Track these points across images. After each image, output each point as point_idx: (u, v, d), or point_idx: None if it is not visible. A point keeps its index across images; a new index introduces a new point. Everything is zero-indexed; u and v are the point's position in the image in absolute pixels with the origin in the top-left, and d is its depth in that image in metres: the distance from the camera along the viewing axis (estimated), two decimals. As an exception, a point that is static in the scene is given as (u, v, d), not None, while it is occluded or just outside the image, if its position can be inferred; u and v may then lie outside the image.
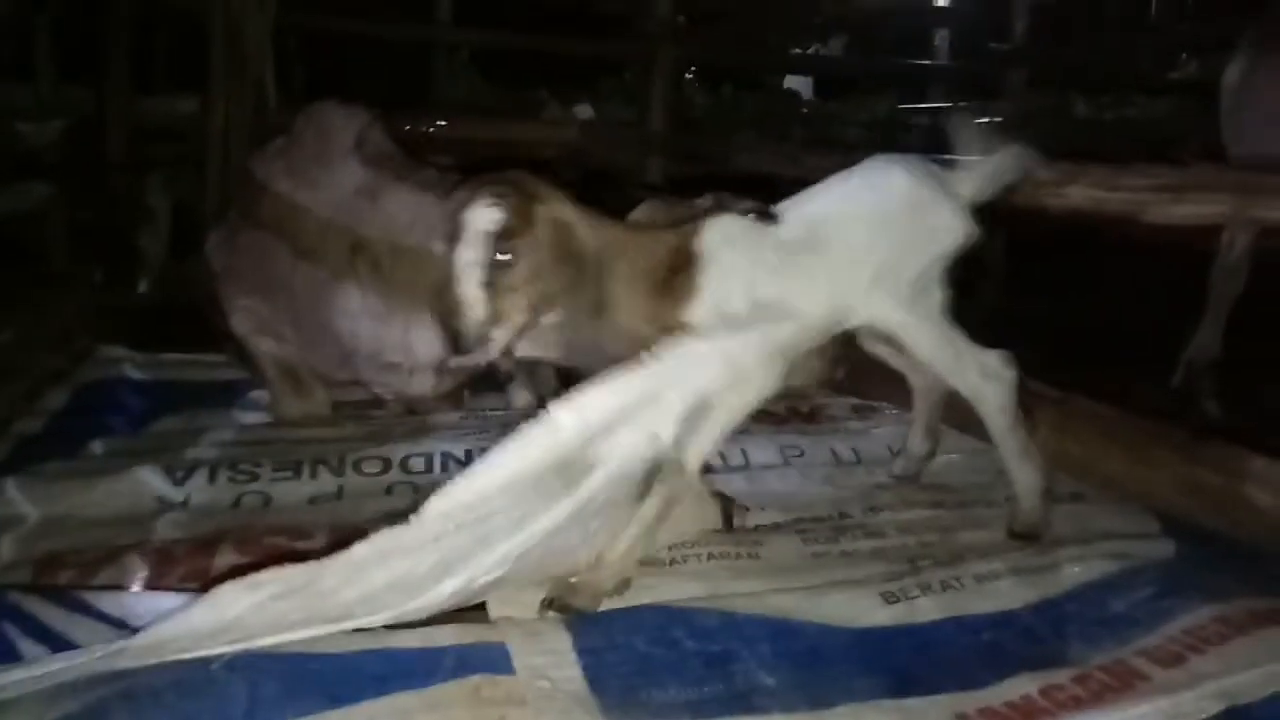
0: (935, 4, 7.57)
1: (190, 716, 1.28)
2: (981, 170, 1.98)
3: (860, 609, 1.66)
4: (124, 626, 1.49)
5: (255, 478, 2.21)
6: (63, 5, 4.10)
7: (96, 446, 2.43)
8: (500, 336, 1.68)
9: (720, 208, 1.92)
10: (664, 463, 1.71)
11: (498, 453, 1.43)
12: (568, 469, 1.51)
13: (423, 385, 2.67)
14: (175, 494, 2.14)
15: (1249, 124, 3.08)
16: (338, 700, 1.33)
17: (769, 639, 1.55)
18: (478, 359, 1.73)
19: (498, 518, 1.44)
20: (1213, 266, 3.14)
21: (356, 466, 2.29)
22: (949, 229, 1.91)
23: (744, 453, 2.46)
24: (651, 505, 1.73)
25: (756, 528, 2.06)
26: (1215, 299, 3.18)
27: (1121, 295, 4.09)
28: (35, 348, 3.07)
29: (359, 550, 1.38)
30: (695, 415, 1.70)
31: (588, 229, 1.75)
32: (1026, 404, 2.39)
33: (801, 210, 1.90)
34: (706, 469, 2.22)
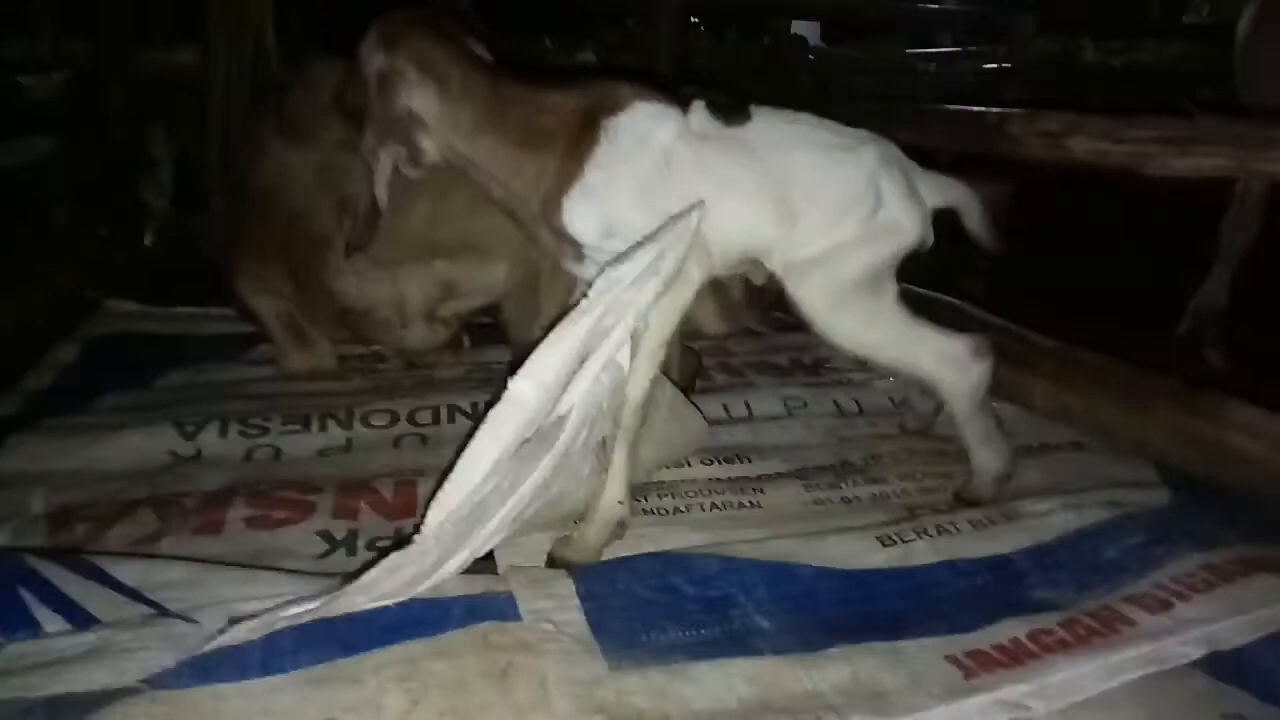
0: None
1: (207, 668, 1.32)
2: (950, 188, 1.85)
3: (856, 551, 1.69)
4: (138, 596, 1.51)
5: (265, 431, 2.25)
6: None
7: (106, 401, 2.46)
8: (379, 170, 1.79)
9: (664, 93, 1.76)
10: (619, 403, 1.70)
11: (474, 445, 1.43)
12: (541, 431, 1.51)
13: (417, 338, 2.70)
14: (186, 448, 2.17)
15: (1261, 71, 3.05)
16: (350, 649, 1.37)
17: (766, 583, 1.60)
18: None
19: (488, 498, 1.46)
20: (1223, 217, 3.14)
21: (364, 419, 2.32)
22: (906, 230, 1.75)
23: (747, 404, 2.48)
24: (620, 449, 1.73)
25: (759, 477, 2.09)
26: (1225, 249, 3.18)
27: (1128, 245, 4.08)
28: (42, 302, 3.10)
29: (369, 575, 1.40)
30: (634, 343, 1.67)
31: (452, 73, 1.75)
32: (1024, 355, 2.42)
33: (773, 134, 1.75)
34: (708, 422, 2.26)
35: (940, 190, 1.83)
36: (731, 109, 1.75)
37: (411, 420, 2.33)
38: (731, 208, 1.69)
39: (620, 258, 1.57)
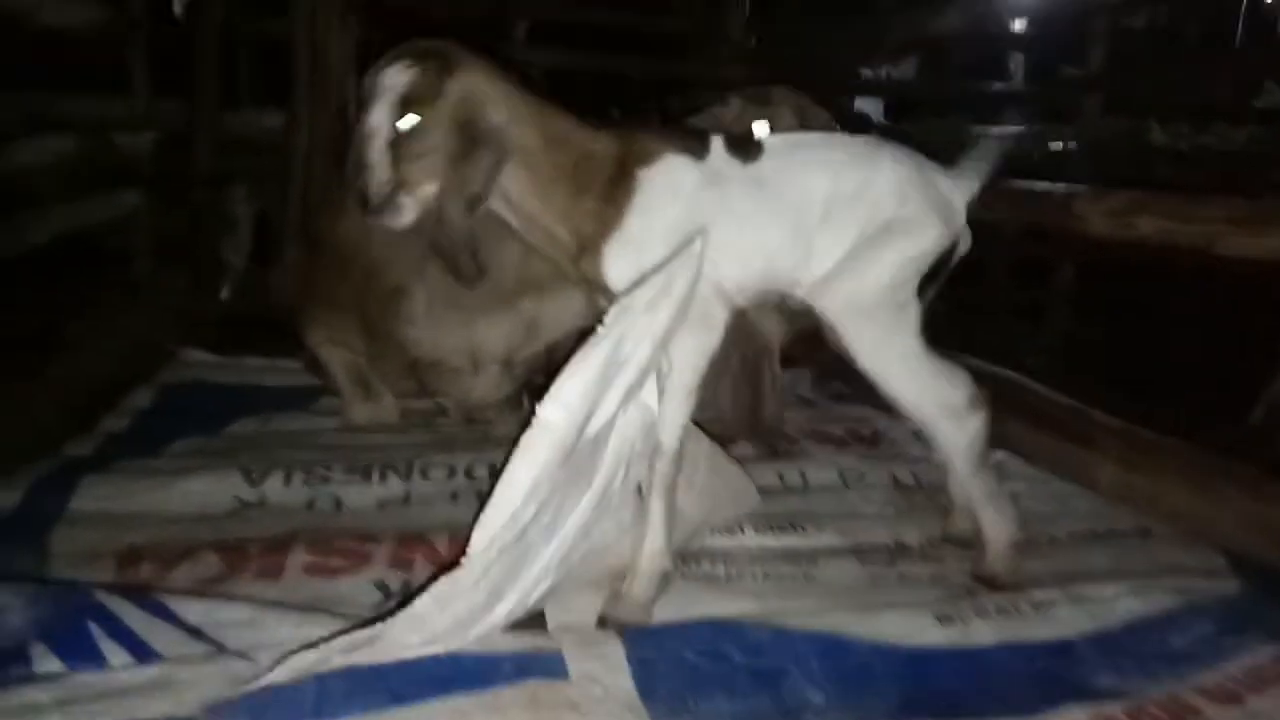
0: (1010, 28, 7.48)
1: (260, 709, 1.34)
2: (975, 173, 1.84)
3: (913, 629, 1.66)
4: (200, 635, 1.55)
5: (327, 481, 2.29)
6: (157, 23, 4.28)
7: (178, 446, 2.54)
8: (409, 204, 1.67)
9: (689, 142, 1.78)
10: (653, 449, 1.70)
11: (509, 471, 1.44)
12: (575, 460, 1.51)
13: (485, 388, 2.71)
14: (251, 494, 2.23)
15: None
16: (400, 699, 1.38)
17: (819, 656, 1.57)
18: (389, 223, 1.69)
19: (530, 530, 1.47)
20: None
21: (423, 472, 2.36)
22: (928, 229, 1.75)
23: (802, 474, 2.47)
24: (658, 499, 1.73)
25: (814, 550, 2.07)
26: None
27: (1197, 327, 4.00)
28: (122, 350, 3.21)
29: (420, 604, 1.42)
30: (660, 382, 1.68)
31: (508, 110, 1.69)
32: (1089, 435, 2.38)
33: (785, 158, 1.78)
34: (761, 490, 2.25)
35: (970, 185, 1.82)
36: (744, 145, 1.79)
37: (469, 474, 2.36)
38: (752, 242, 1.73)
39: (631, 286, 1.59)
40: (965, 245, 1.83)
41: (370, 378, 2.79)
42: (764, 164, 1.77)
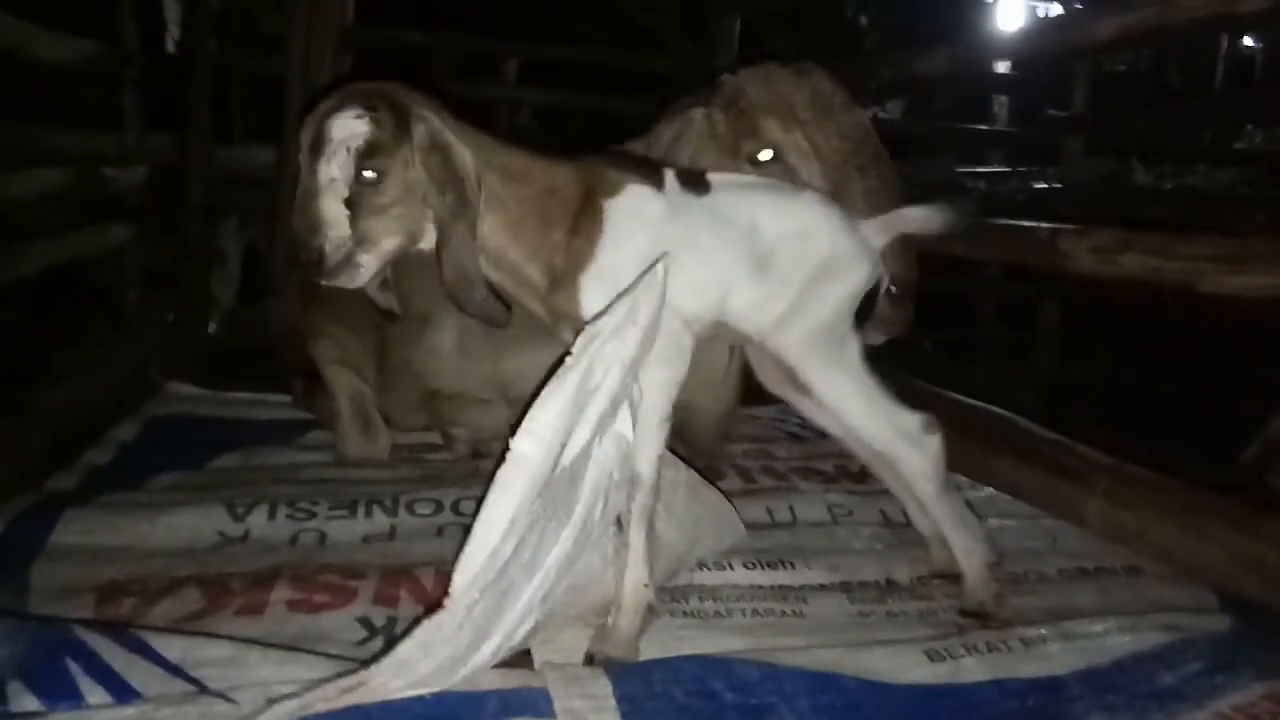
0: (994, 70, 7.61)
1: (244, 748, 1.32)
2: (889, 220, 1.88)
3: (902, 665, 1.65)
4: (179, 672, 1.52)
5: (312, 515, 2.27)
6: (150, 58, 4.32)
7: (162, 480, 2.51)
8: (368, 261, 1.61)
9: (643, 171, 1.77)
10: (630, 479, 1.69)
11: (486, 508, 1.43)
12: (551, 492, 1.50)
13: (502, 419, 2.57)
14: (235, 528, 2.20)
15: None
16: (384, 738, 1.36)
17: (808, 693, 1.55)
18: (344, 284, 1.63)
19: (511, 567, 1.45)
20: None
21: (410, 507, 2.33)
22: (860, 266, 1.79)
23: (791, 509, 2.46)
24: (637, 531, 1.71)
25: (802, 586, 2.06)
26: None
27: (1183, 365, 4.03)
28: (108, 382, 3.20)
29: (404, 649, 1.39)
30: (633, 411, 1.67)
31: (468, 151, 1.66)
32: (1077, 470, 2.38)
33: (733, 195, 1.80)
34: (750, 525, 2.24)
35: (878, 230, 1.87)
36: (694, 179, 1.81)
37: (455, 510, 2.34)
38: (712, 274, 1.74)
39: (597, 316, 1.58)
40: (885, 282, 1.89)
41: (371, 412, 2.75)
42: (714, 199, 1.79)
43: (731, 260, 1.75)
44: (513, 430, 1.45)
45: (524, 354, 2.51)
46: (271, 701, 1.37)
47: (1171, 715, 1.54)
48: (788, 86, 2.18)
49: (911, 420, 1.81)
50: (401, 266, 1.84)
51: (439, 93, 1.79)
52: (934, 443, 1.82)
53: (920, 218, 1.89)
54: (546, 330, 2.38)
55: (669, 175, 1.79)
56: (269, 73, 4.13)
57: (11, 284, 3.03)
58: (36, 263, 3.23)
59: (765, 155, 2.15)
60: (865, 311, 1.84)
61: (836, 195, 2.04)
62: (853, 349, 1.80)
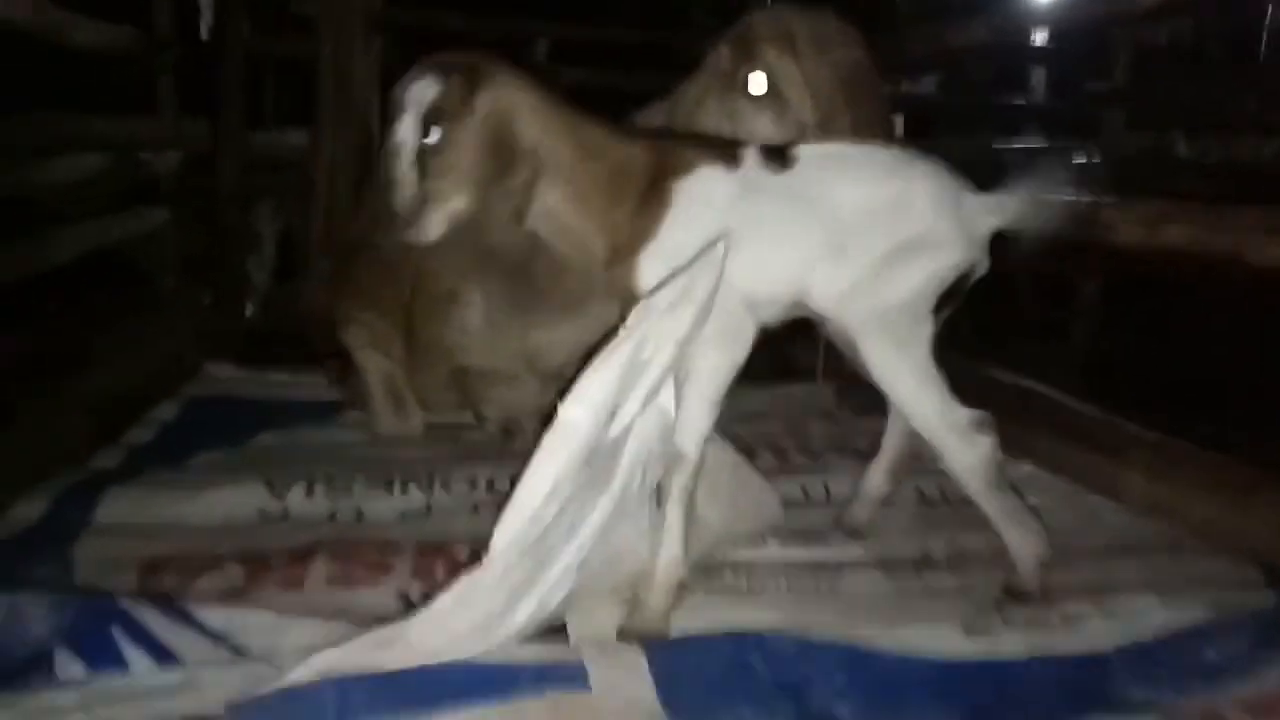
0: (1031, 42, 7.47)
1: (282, 711, 1.34)
2: (1008, 204, 1.80)
3: (940, 641, 1.64)
4: (222, 640, 1.56)
5: (349, 493, 2.30)
6: (184, 44, 4.35)
7: (202, 459, 2.55)
8: (435, 221, 1.65)
9: (723, 152, 1.76)
10: (671, 457, 1.69)
11: (530, 471, 1.44)
12: (595, 461, 1.50)
13: (533, 397, 2.62)
14: (274, 506, 2.23)
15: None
16: (420, 707, 1.37)
17: (845, 667, 1.55)
18: (414, 241, 1.67)
19: (550, 533, 1.46)
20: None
21: (445, 485, 2.35)
22: (953, 247, 1.73)
23: (826, 487, 2.45)
24: (676, 508, 1.71)
25: (839, 563, 2.05)
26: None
27: (1226, 341, 3.95)
28: (147, 364, 3.24)
29: (441, 602, 1.42)
30: (679, 386, 1.66)
31: (540, 123, 1.68)
32: (1118, 446, 2.34)
33: (817, 170, 1.76)
34: (784, 503, 2.23)
35: (996, 210, 1.79)
36: (777, 155, 1.78)
37: (490, 487, 2.36)
38: (784, 254, 1.72)
39: (653, 290, 1.58)
40: (983, 268, 1.81)
41: (404, 391, 2.78)
42: (797, 174, 1.76)
43: (807, 242, 1.72)
44: (561, 397, 1.46)
45: (551, 328, 2.52)
46: (308, 654, 1.39)
47: (1214, 690, 1.52)
48: (792, 21, 2.22)
49: (964, 416, 1.76)
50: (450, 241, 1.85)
51: (534, 70, 1.83)
52: (985, 443, 1.76)
53: (1038, 209, 1.81)
54: (574, 305, 2.37)
55: (748, 154, 1.77)
56: (302, 56, 4.13)
57: (51, 269, 3.07)
58: (75, 247, 3.27)
59: (758, 84, 2.18)
60: (952, 297, 1.77)
61: (825, 125, 2.08)
62: (924, 333, 1.74)
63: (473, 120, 1.64)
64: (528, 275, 2.46)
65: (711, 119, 2.26)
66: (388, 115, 1.69)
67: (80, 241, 3.34)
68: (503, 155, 1.66)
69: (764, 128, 2.18)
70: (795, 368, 3.43)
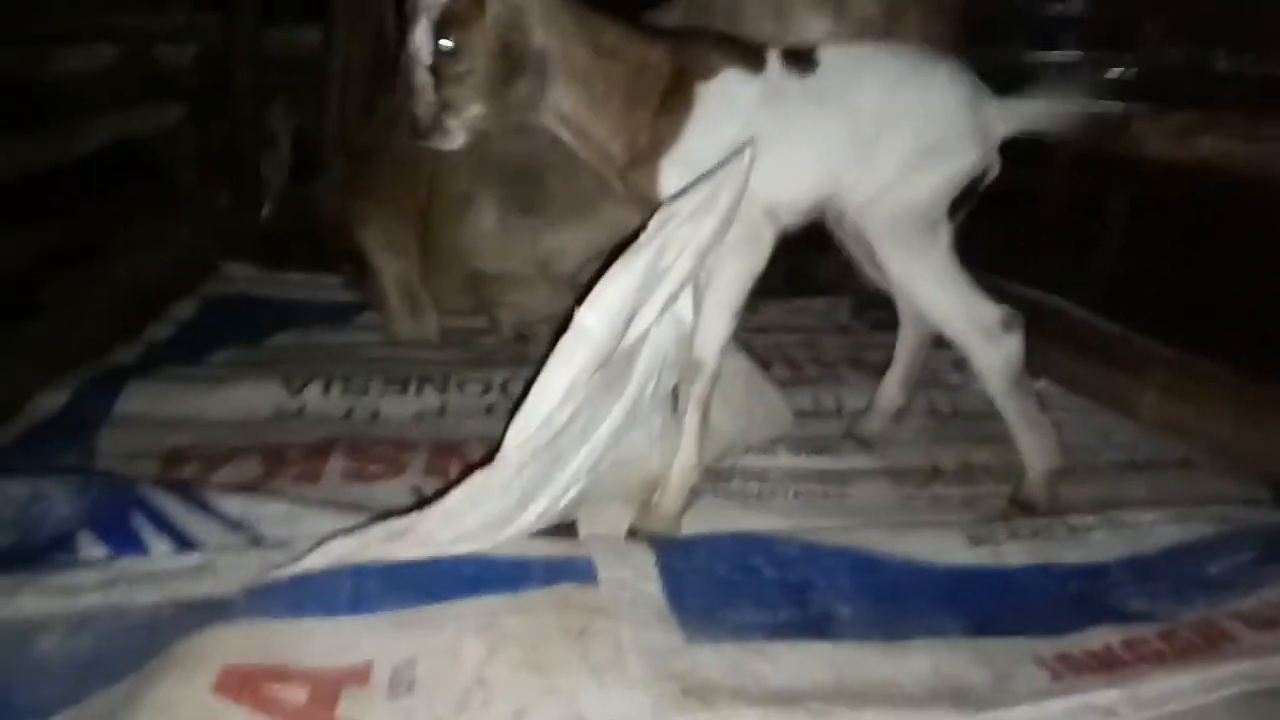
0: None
1: (299, 601, 1.38)
2: (1024, 109, 1.78)
3: (944, 548, 1.66)
4: (239, 527, 1.60)
5: (365, 392, 2.33)
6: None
7: (220, 356, 2.58)
8: (455, 127, 1.64)
9: (746, 55, 1.72)
10: (689, 362, 1.70)
11: (545, 374, 1.44)
12: (610, 367, 1.51)
13: (547, 300, 2.60)
14: (291, 403, 2.27)
15: None
16: (433, 597, 1.41)
17: (848, 571, 1.57)
18: (437, 146, 1.66)
19: (563, 436, 1.48)
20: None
21: (460, 386, 2.38)
22: (968, 151, 1.73)
23: (838, 398, 2.46)
24: (693, 414, 1.73)
25: (847, 471, 2.06)
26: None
27: (1256, 257, 3.88)
28: (165, 261, 3.25)
29: (453, 498, 1.44)
30: (697, 295, 1.66)
31: (553, 25, 1.65)
32: (1133, 362, 2.32)
33: (842, 73, 1.73)
34: (796, 413, 2.24)
35: (1015, 116, 1.78)
36: (801, 59, 1.74)
37: (503, 390, 2.38)
38: (809, 159, 1.71)
39: (676, 195, 1.56)
40: (994, 172, 1.79)
41: (419, 294, 2.78)
42: (820, 77, 1.73)
43: (830, 146, 1.71)
44: (578, 302, 1.46)
45: (564, 231, 2.51)
46: (326, 539, 1.43)
47: (1215, 603, 1.53)
48: None
49: (991, 313, 1.75)
50: None
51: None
52: (1011, 341, 1.76)
53: (1055, 114, 1.79)
54: (587, 209, 2.33)
55: (772, 56, 1.73)
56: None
57: (71, 160, 3.06)
58: (93, 139, 3.25)
59: None
60: (966, 199, 1.77)
61: (891, 26, 2.00)
62: (942, 235, 1.75)
63: (483, 25, 1.61)
64: (539, 178, 2.44)
65: (751, 20, 2.12)
66: (402, 17, 1.66)
67: (99, 133, 3.31)
68: (511, 60, 1.63)
69: (819, 27, 2.07)
70: (813, 283, 3.40)
